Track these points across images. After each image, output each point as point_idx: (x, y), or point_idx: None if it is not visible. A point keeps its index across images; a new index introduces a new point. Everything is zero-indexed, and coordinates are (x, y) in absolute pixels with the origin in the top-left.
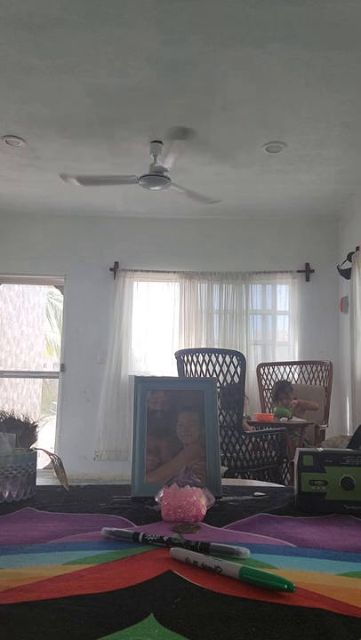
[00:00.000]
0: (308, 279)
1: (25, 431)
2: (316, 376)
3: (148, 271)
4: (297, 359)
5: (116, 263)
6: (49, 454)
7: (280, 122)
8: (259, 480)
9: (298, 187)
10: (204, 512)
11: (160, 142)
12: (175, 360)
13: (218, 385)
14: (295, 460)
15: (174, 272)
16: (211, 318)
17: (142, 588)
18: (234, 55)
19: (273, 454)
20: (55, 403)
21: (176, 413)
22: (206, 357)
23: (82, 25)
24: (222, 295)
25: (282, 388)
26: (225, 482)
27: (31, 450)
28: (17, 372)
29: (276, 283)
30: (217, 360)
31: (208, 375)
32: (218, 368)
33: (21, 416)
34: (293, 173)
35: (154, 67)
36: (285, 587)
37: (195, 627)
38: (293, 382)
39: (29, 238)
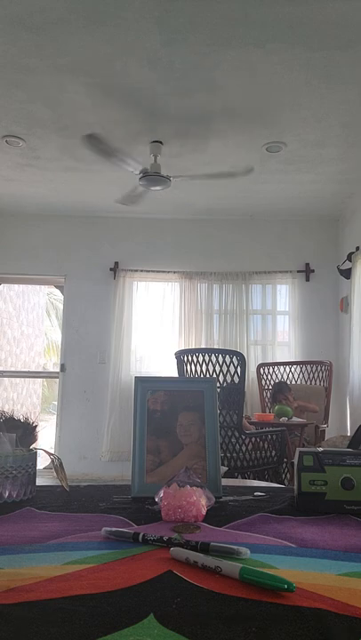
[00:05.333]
0: (308, 279)
1: (25, 431)
2: (316, 376)
3: (148, 271)
4: (297, 359)
5: (116, 263)
6: (49, 454)
7: (280, 122)
8: (259, 480)
9: (298, 187)
10: (204, 512)
11: (160, 142)
12: (175, 360)
13: (218, 385)
14: (295, 460)
15: (174, 272)
16: (211, 318)
17: (142, 588)
18: (234, 55)
19: (273, 454)
20: (55, 403)
21: (176, 413)
22: (206, 357)
23: (82, 25)
24: (222, 295)
25: (280, 389)
26: (225, 482)
27: (31, 450)
28: (17, 371)
29: (276, 283)
30: (217, 360)
31: (208, 375)
32: (218, 368)
33: (21, 416)
34: (293, 173)
35: (154, 67)
36: (285, 587)
37: (195, 627)
38: (293, 382)
39: (29, 238)
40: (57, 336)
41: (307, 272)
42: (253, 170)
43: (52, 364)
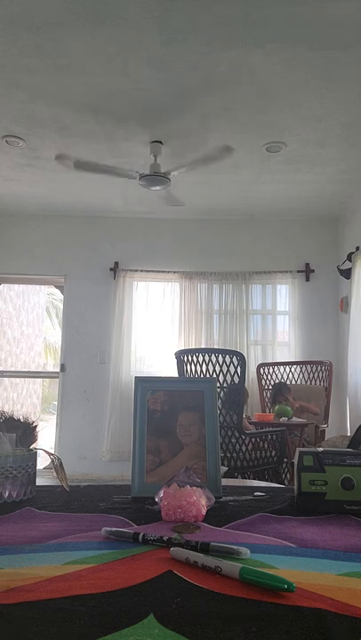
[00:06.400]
0: (308, 279)
1: (25, 431)
2: (316, 376)
3: (148, 271)
4: (297, 359)
5: (116, 263)
6: (49, 454)
7: (280, 122)
8: (259, 480)
9: (298, 187)
10: (204, 512)
11: (160, 142)
12: (175, 360)
13: (218, 385)
14: (295, 460)
15: (174, 272)
16: (211, 318)
17: (142, 588)
18: (234, 55)
19: (273, 454)
20: (55, 403)
21: (176, 413)
22: (206, 357)
23: (82, 25)
24: (222, 295)
25: (279, 390)
26: (225, 482)
27: (31, 450)
28: (17, 371)
29: (276, 283)
30: (217, 360)
31: (208, 375)
32: (218, 368)
33: (21, 416)
34: (293, 173)
35: (154, 67)
36: (285, 587)
37: (195, 627)
38: (293, 382)
39: (29, 238)
40: (55, 338)
41: (307, 272)
42: (233, 150)
43: (52, 364)
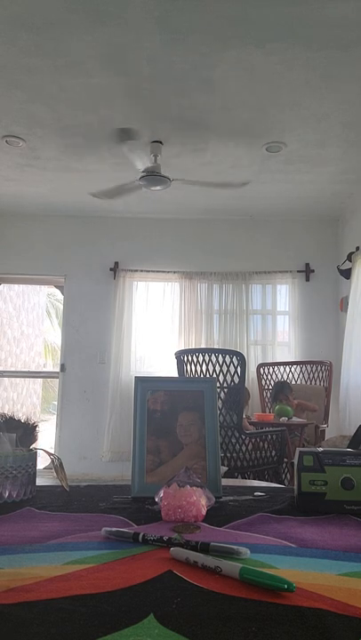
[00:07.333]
0: (308, 279)
1: (25, 431)
2: (316, 376)
3: (148, 271)
4: (297, 359)
5: (116, 263)
6: (49, 454)
7: (280, 122)
8: (259, 480)
9: (298, 187)
10: (204, 512)
11: (160, 142)
12: (175, 360)
13: (218, 385)
14: (295, 460)
15: (174, 272)
16: (211, 318)
17: (142, 588)
18: (234, 55)
19: (273, 454)
20: (55, 403)
21: (176, 413)
22: (206, 357)
23: (82, 25)
24: (222, 295)
25: (281, 389)
26: (225, 482)
27: (31, 450)
28: (17, 371)
29: (276, 283)
30: (217, 360)
31: (208, 375)
32: (218, 368)
33: (22, 415)
34: (293, 173)
35: (154, 67)
36: (285, 587)
37: (195, 627)
38: (293, 382)
39: (29, 238)
40: (55, 338)
41: (307, 272)
42: (249, 182)
43: (52, 364)
